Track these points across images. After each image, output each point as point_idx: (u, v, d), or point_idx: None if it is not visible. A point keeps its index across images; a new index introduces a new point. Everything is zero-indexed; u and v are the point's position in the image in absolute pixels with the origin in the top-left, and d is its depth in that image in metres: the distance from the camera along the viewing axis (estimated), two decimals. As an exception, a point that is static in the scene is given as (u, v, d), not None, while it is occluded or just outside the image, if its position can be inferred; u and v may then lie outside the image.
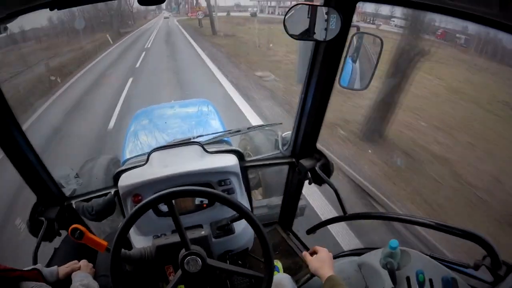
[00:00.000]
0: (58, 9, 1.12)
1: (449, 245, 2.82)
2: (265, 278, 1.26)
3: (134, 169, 1.81)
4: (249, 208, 2.03)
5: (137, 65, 14.71)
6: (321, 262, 1.35)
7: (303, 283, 1.85)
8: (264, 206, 2.67)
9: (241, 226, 1.78)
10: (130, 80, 11.32)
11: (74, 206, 1.89)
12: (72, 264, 1.47)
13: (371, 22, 22.81)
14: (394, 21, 22.15)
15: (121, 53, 19.64)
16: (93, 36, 23.34)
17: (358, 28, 1.50)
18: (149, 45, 21.37)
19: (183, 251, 1.24)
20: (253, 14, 34.66)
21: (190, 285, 1.43)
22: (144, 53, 17.77)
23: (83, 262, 1.50)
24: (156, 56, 17.20)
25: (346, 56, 1.51)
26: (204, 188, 1.26)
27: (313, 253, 1.45)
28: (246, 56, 14.38)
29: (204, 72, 12.10)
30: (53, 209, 1.79)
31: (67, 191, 1.92)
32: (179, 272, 1.24)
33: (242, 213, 1.26)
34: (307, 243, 2.47)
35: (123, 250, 1.25)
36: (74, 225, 1.18)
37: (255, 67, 12.12)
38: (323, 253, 1.39)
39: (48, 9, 1.12)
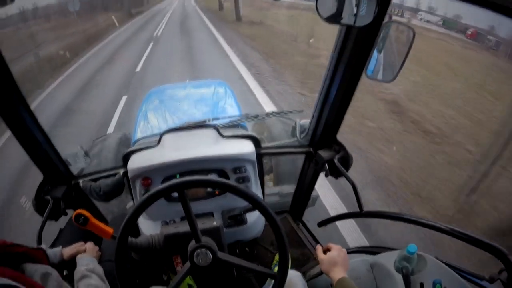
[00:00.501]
0: None
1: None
2: (278, 277, 1.19)
3: (145, 150, 1.75)
4: (262, 197, 1.97)
5: (138, 68, 10.39)
6: (333, 262, 1.27)
7: (312, 277, 1.81)
8: (275, 194, 2.62)
9: (254, 217, 1.73)
10: (124, 99, 7.47)
11: (81, 186, 1.85)
12: (78, 246, 1.44)
13: (400, 15, 21.96)
14: (421, 14, 22.00)
15: (122, 43, 15.57)
16: (102, 17, 21.92)
17: (390, 16, 1.41)
18: (159, 33, 17.48)
19: (192, 243, 1.17)
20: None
21: (198, 278, 1.38)
22: (151, 45, 13.90)
23: (89, 245, 1.46)
24: (165, 51, 12.98)
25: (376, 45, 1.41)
26: (221, 179, 1.18)
27: (327, 250, 1.35)
28: (285, 56, 10.99)
29: (241, 90, 7.40)
30: (59, 188, 1.74)
31: (74, 170, 1.88)
32: (188, 264, 1.17)
33: (260, 208, 1.17)
34: (317, 235, 2.43)
35: (129, 238, 1.19)
36: (78, 211, 1.12)
37: (303, 78, 8.59)
38: (336, 252, 1.30)
39: None
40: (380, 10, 1.18)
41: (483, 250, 1.20)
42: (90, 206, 2.00)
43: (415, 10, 22.15)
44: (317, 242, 2.38)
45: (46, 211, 1.62)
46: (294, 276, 1.49)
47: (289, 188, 2.57)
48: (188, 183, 1.12)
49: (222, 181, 1.18)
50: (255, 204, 1.16)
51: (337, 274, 1.22)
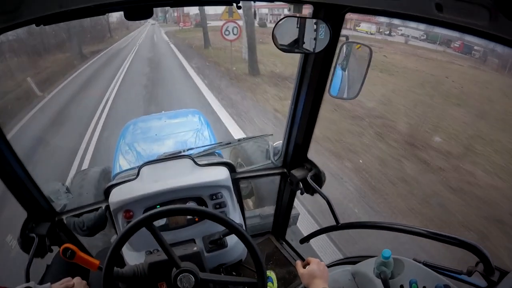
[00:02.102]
0: (44, 25, 1.11)
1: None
2: (258, 283, 1.25)
3: (125, 184, 1.79)
4: (242, 220, 2.03)
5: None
6: (313, 275, 1.29)
7: None
8: (256, 216, 2.67)
9: (234, 239, 1.77)
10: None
11: (65, 222, 1.86)
12: (66, 281, 1.45)
13: (387, 33, 22.69)
14: (401, 30, 22.11)
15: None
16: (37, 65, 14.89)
17: (347, 37, 1.52)
18: (110, 99, 9.84)
19: (174, 270, 1.24)
20: (262, 25, 26.90)
21: None
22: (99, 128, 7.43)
23: (77, 280, 1.48)
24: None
25: (335, 66, 1.51)
26: (187, 206, 1.29)
27: (306, 264, 1.37)
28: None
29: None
30: (44, 225, 1.75)
31: (57, 206, 1.90)
32: None
33: (228, 226, 1.27)
34: (301, 252, 2.47)
35: (115, 268, 1.23)
36: (65, 245, 1.16)
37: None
38: (315, 266, 1.31)
39: None
40: (334, 32, 1.29)
41: (458, 247, 1.25)
42: (74, 241, 2.01)
43: (395, 26, 22.55)
44: (302, 259, 2.41)
45: (32, 249, 1.63)
46: None
47: (270, 209, 2.62)
48: (153, 215, 1.23)
49: (189, 208, 1.28)
50: (221, 222, 1.25)
51: (318, 286, 1.24)
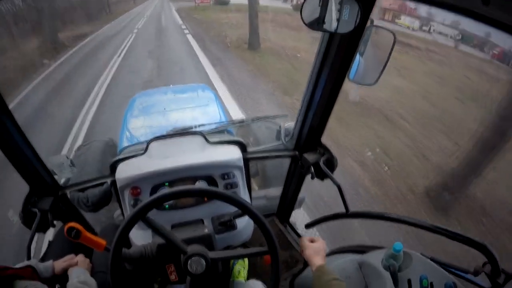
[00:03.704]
0: None
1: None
2: (270, 251, 1.23)
3: (132, 159, 1.74)
4: (249, 201, 2.00)
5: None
6: (316, 251, 1.38)
7: (297, 273, 1.86)
8: (262, 197, 2.65)
9: (243, 222, 1.75)
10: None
11: (68, 196, 1.83)
12: (69, 259, 1.43)
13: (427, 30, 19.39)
14: (433, 25, 19.12)
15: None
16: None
17: (372, 21, 1.44)
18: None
19: (183, 256, 1.21)
20: (297, 8, 19.81)
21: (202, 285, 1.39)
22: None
23: (80, 257, 1.45)
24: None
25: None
26: (205, 188, 1.24)
27: (311, 241, 1.47)
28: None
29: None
30: (46, 199, 1.71)
31: (61, 180, 1.86)
32: (188, 278, 1.24)
33: (247, 211, 1.23)
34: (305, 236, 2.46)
35: (123, 249, 1.20)
36: (69, 224, 1.12)
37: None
38: (320, 244, 1.42)
39: None
40: (363, 15, 1.20)
41: (466, 245, 1.25)
42: (78, 217, 1.98)
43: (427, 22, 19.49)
44: None
45: (34, 224, 1.60)
46: (257, 285, 1.54)
47: (276, 191, 2.58)
48: (168, 195, 1.19)
49: (207, 189, 1.23)
50: (239, 205, 1.22)
51: (318, 260, 1.33)
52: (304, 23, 1.27)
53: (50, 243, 1.83)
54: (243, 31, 13.87)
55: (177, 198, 1.18)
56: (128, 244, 1.64)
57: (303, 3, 1.22)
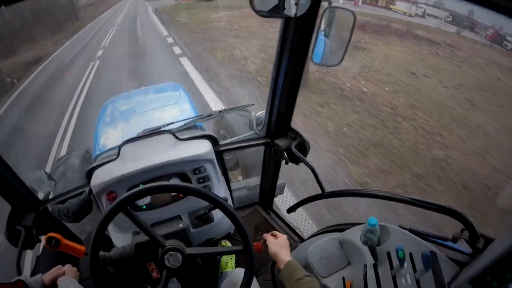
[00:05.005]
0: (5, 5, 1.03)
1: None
2: (245, 250, 1.27)
3: (106, 165, 1.75)
4: (228, 192, 2.03)
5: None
6: (281, 245, 1.38)
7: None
8: (243, 188, 2.68)
9: (220, 214, 1.77)
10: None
11: (50, 210, 1.83)
12: (56, 270, 1.46)
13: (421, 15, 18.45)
14: (422, 7, 18.43)
15: None
16: None
17: (329, 2, 1.47)
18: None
19: (160, 249, 1.24)
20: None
21: (181, 279, 1.42)
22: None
23: (67, 267, 1.49)
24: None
25: (317, 32, 1.46)
26: (163, 183, 1.28)
27: (273, 236, 1.48)
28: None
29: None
30: (29, 215, 1.73)
31: (41, 195, 1.86)
32: (164, 271, 1.24)
33: (204, 197, 1.27)
34: (289, 221, 2.50)
35: (102, 252, 1.23)
36: (49, 234, 1.15)
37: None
38: (282, 239, 1.42)
39: None
40: None
41: (443, 214, 1.27)
42: (62, 228, 1.99)
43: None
44: (290, 228, 2.46)
45: (20, 241, 1.62)
46: (242, 272, 1.59)
47: (256, 180, 2.63)
48: (127, 199, 1.21)
49: (166, 184, 1.28)
50: (199, 195, 1.26)
51: (284, 256, 1.32)
52: (255, 11, 1.27)
53: (38, 257, 1.86)
54: (256, 41, 11.28)
55: (138, 199, 1.23)
56: (110, 247, 1.66)
57: None
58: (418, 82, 9.14)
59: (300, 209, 2.08)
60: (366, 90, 7.94)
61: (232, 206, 2.06)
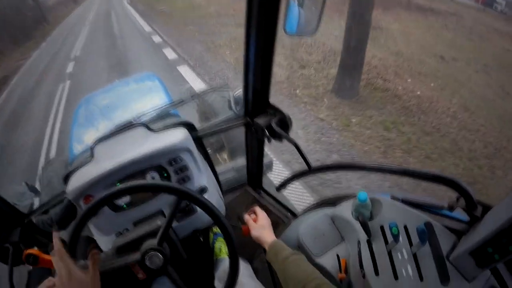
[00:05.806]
0: None
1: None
2: (225, 238, 1.26)
3: (82, 168, 1.67)
4: (212, 178, 1.98)
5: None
6: (262, 226, 1.38)
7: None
8: (230, 170, 2.64)
9: None
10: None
11: (34, 222, 1.80)
12: (46, 282, 1.41)
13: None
14: None
15: None
16: None
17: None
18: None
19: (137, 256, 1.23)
20: None
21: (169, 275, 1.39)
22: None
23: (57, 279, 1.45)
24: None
25: (288, 2, 1.37)
26: (121, 187, 1.24)
27: (252, 213, 1.51)
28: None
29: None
30: (15, 231, 1.69)
31: (24, 208, 1.81)
32: (149, 272, 1.23)
33: (179, 193, 1.29)
34: (280, 198, 2.47)
35: (83, 261, 1.20)
36: (26, 252, 1.14)
37: None
38: (263, 219, 1.42)
39: None
40: None
41: (437, 183, 1.23)
42: (50, 239, 1.94)
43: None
44: (282, 205, 2.43)
45: (9, 258, 1.59)
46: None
47: (243, 161, 2.56)
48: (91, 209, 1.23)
49: (133, 184, 1.25)
50: (171, 191, 1.29)
51: (268, 237, 1.32)
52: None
53: (29, 272, 1.83)
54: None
55: (102, 206, 1.25)
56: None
57: None
58: (452, 69, 8.92)
59: (295, 182, 2.05)
60: (419, 93, 6.88)
61: (220, 190, 2.01)
